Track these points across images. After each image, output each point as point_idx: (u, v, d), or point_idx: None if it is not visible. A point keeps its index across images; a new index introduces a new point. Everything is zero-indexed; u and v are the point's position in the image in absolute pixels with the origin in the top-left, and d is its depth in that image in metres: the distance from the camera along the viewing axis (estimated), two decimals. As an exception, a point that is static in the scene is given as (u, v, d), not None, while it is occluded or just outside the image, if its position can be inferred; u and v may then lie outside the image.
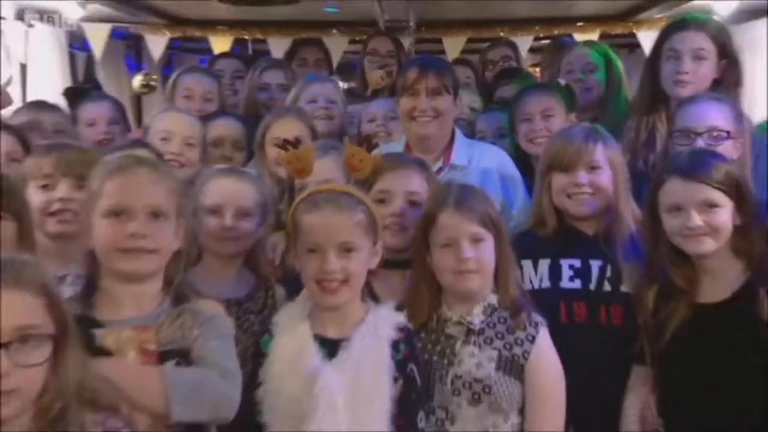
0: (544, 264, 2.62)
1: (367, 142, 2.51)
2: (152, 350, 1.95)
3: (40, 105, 3.74)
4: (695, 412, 2.32)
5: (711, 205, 2.28)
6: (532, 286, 2.59)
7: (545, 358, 2.28)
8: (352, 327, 2.13)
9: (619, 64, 3.90)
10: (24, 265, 1.62)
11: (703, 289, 2.35)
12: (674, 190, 2.33)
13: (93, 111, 3.81)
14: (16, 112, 3.68)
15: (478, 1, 5.25)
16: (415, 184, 2.54)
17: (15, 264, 1.61)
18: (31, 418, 1.59)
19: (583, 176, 2.57)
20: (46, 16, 5.43)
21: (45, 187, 2.54)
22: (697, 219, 2.28)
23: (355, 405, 2.04)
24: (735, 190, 2.30)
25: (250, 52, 6.10)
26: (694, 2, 4.95)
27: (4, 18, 5.05)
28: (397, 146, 3.18)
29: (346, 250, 2.12)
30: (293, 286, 2.34)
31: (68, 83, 5.66)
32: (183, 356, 1.96)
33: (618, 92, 3.82)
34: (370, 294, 2.30)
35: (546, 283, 2.61)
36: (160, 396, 1.85)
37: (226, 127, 3.61)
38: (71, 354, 1.62)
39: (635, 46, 5.71)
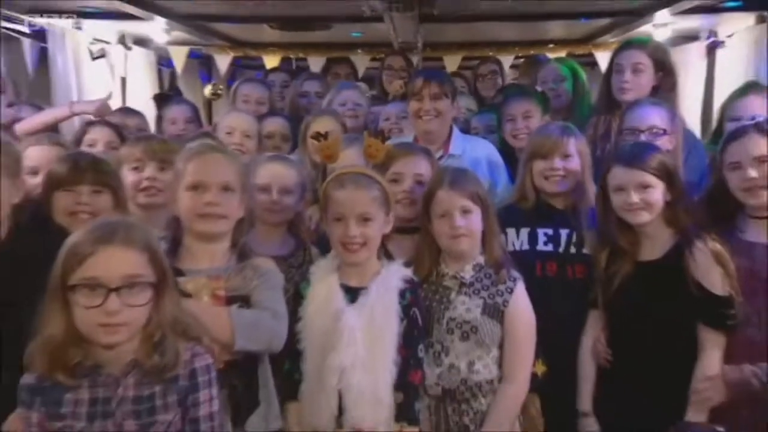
0: (525, 231, 2.60)
1: (381, 135, 2.49)
2: (222, 295, 1.98)
3: (127, 110, 3.82)
4: (635, 343, 2.31)
5: (646, 186, 2.26)
6: (515, 249, 2.57)
7: (521, 306, 2.26)
8: (370, 278, 2.13)
9: (584, 75, 3.85)
10: (132, 227, 1.65)
11: (642, 250, 2.34)
12: (618, 174, 2.31)
13: (174, 112, 3.82)
14: (111, 114, 3.70)
15: (471, 28, 5.24)
16: (422, 167, 2.52)
17: (125, 226, 1.63)
18: (138, 344, 1.63)
19: (558, 162, 2.56)
20: (141, 40, 5.47)
21: (136, 169, 2.58)
22: (635, 197, 2.26)
23: (370, 338, 2.05)
24: (666, 174, 2.28)
25: (294, 67, 6.07)
26: (638, 29, 4.93)
27: (109, 42, 5.11)
28: (407, 140, 3.14)
29: (365, 219, 2.11)
30: (325, 246, 2.33)
31: (156, 91, 5.71)
32: (245, 301, 1.99)
33: (582, 98, 3.76)
34: (385, 253, 2.28)
35: (525, 247, 2.59)
36: (228, 330, 1.89)
37: (276, 125, 3.62)
38: (168, 297, 1.65)
39: (594, 63, 5.64)
